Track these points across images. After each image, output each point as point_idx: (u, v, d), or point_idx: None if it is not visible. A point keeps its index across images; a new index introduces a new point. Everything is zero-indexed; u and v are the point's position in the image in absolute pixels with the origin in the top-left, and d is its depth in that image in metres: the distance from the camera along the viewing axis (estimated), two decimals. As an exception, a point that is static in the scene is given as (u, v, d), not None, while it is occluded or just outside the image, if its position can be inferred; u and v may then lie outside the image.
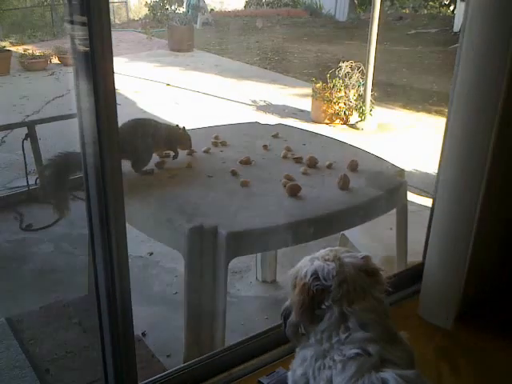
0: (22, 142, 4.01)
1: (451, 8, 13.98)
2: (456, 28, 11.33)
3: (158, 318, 2.82)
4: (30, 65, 8.73)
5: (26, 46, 9.64)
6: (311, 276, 1.32)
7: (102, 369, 1.53)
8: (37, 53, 9.12)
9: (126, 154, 2.20)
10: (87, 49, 1.21)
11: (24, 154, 4.02)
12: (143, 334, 2.63)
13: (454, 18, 12.35)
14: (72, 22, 1.22)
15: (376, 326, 1.27)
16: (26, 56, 8.91)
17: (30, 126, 4.12)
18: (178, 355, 2.08)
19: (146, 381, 1.65)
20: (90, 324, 2.35)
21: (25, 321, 2.43)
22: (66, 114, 4.41)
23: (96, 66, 1.21)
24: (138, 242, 3.45)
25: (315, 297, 1.31)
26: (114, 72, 1.25)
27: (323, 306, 1.30)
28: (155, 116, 6.14)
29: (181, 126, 2.44)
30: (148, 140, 2.30)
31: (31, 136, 4.05)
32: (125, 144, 2.18)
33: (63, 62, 8.76)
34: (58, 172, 2.15)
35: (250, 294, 3.13)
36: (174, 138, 2.42)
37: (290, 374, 1.42)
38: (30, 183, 4.08)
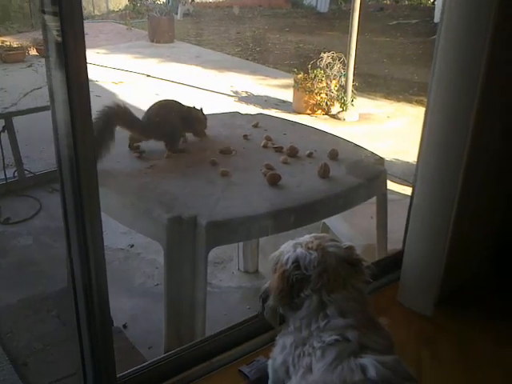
0: (-1, 135, 3.95)
1: (431, -1, 14.06)
2: (436, 19, 11.37)
3: (140, 310, 2.80)
4: (8, 57, 8.59)
5: (3, 38, 9.47)
6: (292, 264, 1.31)
7: (80, 361, 1.52)
8: (14, 44, 8.97)
9: (158, 136, 2.38)
10: (59, 39, 1.18)
11: (1, 146, 3.95)
12: (124, 326, 2.61)
13: (434, 8, 12.40)
14: (44, 12, 1.20)
15: (355, 313, 1.27)
16: (4, 48, 8.76)
17: (8, 118, 4.06)
18: (160, 347, 2.06)
19: (125, 372, 1.64)
20: (69, 317, 2.33)
21: (2, 314, 2.40)
22: (43, 105, 4.35)
23: (68, 57, 1.19)
24: (119, 234, 3.42)
25: (294, 285, 1.31)
26: (86, 62, 1.22)
27: (302, 295, 1.30)
28: (135, 107, 6.09)
29: (198, 107, 2.56)
30: (176, 120, 2.44)
31: (8, 128, 4.00)
32: (156, 126, 2.37)
33: (41, 54, 8.62)
34: (107, 121, 2.24)
35: (232, 284, 3.13)
36: (194, 118, 2.53)
37: (270, 362, 1.42)
38: (7, 176, 4.02)
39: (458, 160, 1.92)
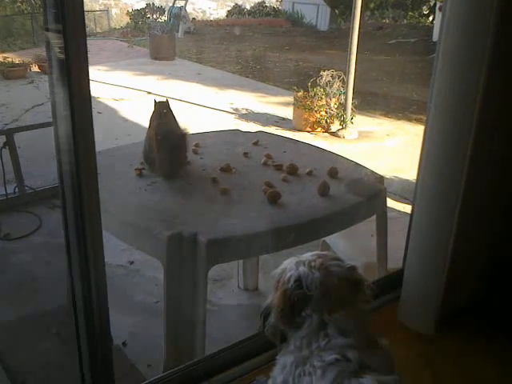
0: (0, 151, 3.95)
1: (430, 18, 14.21)
2: (435, 38, 11.47)
3: (139, 327, 2.78)
4: (10, 73, 8.64)
5: (5, 54, 9.55)
6: (294, 282, 1.31)
7: (79, 379, 1.51)
8: (16, 61, 9.04)
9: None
10: (62, 56, 1.19)
11: (2, 162, 3.96)
12: (123, 344, 2.59)
13: (433, 28, 12.53)
14: (48, 30, 1.21)
15: (356, 332, 1.27)
16: (6, 64, 8.82)
17: (9, 134, 4.06)
18: (159, 365, 2.05)
19: (125, 391, 1.63)
20: (69, 335, 2.32)
21: (1, 331, 2.38)
22: (44, 122, 4.37)
23: (71, 74, 1.20)
24: (119, 251, 3.41)
25: (295, 304, 1.30)
26: (89, 79, 1.24)
27: (303, 314, 1.30)
28: (135, 124, 6.12)
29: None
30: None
31: (9, 144, 4.00)
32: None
33: (43, 71, 8.67)
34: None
35: (232, 302, 3.10)
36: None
37: (270, 381, 1.41)
38: (8, 192, 4.02)
39: (457, 178, 1.93)
